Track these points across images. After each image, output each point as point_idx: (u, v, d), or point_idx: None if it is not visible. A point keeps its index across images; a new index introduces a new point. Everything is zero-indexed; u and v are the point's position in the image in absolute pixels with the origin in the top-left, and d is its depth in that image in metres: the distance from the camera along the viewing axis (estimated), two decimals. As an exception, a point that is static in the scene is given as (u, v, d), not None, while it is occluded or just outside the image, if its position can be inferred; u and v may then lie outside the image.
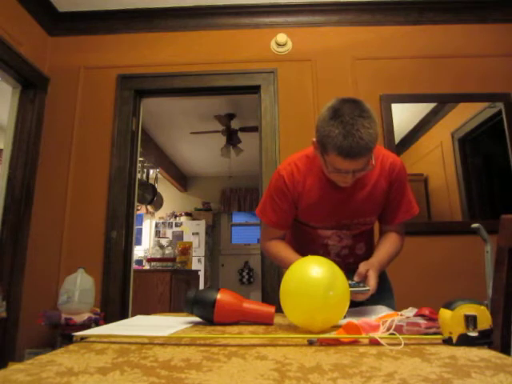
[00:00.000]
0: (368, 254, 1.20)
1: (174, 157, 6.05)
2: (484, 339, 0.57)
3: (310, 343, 0.60)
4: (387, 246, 1.19)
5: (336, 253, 1.22)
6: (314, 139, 1.05)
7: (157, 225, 6.47)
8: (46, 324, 1.94)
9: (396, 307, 1.21)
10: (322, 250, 1.22)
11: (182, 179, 6.93)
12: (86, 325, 1.92)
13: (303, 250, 1.17)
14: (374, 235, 1.31)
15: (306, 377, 0.42)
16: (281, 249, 1.20)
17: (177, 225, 6.43)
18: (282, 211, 1.17)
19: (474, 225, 1.68)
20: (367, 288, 0.99)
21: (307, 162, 1.17)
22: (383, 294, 1.24)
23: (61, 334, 1.96)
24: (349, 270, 1.04)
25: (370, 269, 1.03)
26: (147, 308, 3.40)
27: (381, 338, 0.59)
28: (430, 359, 0.50)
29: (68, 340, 1.87)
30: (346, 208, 1.15)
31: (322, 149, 1.01)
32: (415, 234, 2.19)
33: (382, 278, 1.27)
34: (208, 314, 0.81)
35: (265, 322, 0.83)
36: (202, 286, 5.74)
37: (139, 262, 4.69)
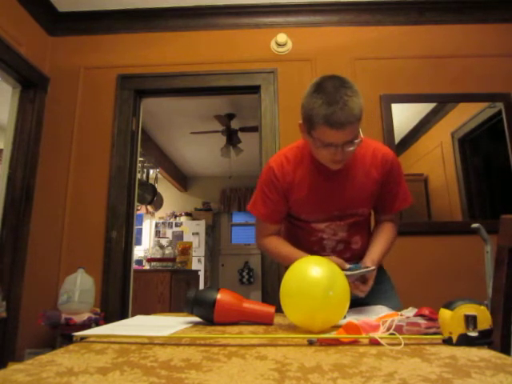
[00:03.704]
0: (364, 249, 1.19)
1: (173, 157, 6.05)
2: (484, 339, 0.57)
3: (310, 343, 0.60)
4: (385, 238, 1.19)
5: (331, 248, 1.20)
6: (300, 121, 1.05)
7: (157, 225, 6.47)
8: (46, 324, 1.94)
9: (402, 304, 1.19)
10: (316, 245, 1.20)
11: (182, 179, 6.93)
12: (86, 325, 1.92)
13: (298, 247, 1.16)
14: (370, 230, 1.30)
15: (306, 377, 0.42)
16: (279, 245, 1.20)
17: (177, 225, 6.43)
18: (273, 203, 1.16)
19: (474, 225, 1.68)
20: (372, 268, 1.00)
21: (297, 152, 1.16)
22: (387, 294, 1.23)
23: (61, 334, 1.96)
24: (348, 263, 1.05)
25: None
26: (147, 308, 3.40)
27: (381, 337, 0.59)
28: (430, 359, 0.50)
29: (68, 340, 1.87)
30: (337, 199, 1.14)
31: (308, 125, 1.01)
32: (415, 233, 2.19)
33: (384, 277, 1.27)
34: (208, 313, 0.81)
35: (265, 322, 0.83)
36: (202, 285, 5.74)
37: (139, 262, 4.69)
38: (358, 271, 0.99)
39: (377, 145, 1.18)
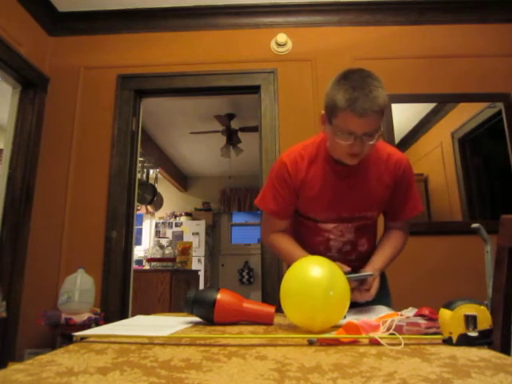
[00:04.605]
0: (371, 251, 1.19)
1: (173, 157, 6.05)
2: (484, 339, 0.57)
3: (310, 343, 0.60)
4: (391, 246, 1.19)
5: (338, 249, 1.19)
6: (323, 111, 1.04)
7: (157, 225, 6.47)
8: (46, 324, 1.94)
9: (393, 305, 1.20)
10: (323, 245, 1.19)
11: (182, 179, 6.93)
12: (86, 325, 1.92)
13: (304, 246, 1.16)
14: (377, 233, 1.29)
15: (306, 377, 0.42)
16: (285, 243, 1.19)
17: (177, 225, 6.43)
18: (283, 200, 1.15)
19: (474, 225, 1.68)
20: (370, 273, 1.00)
21: (312, 149, 1.14)
22: (381, 292, 1.24)
23: (61, 334, 1.96)
24: (350, 267, 1.04)
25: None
26: (147, 308, 3.40)
27: (381, 337, 0.59)
28: (430, 359, 0.50)
29: (68, 340, 1.87)
30: (347, 200, 1.13)
31: (330, 112, 0.99)
32: (415, 233, 2.16)
33: (384, 283, 1.27)
34: (208, 314, 0.81)
35: (265, 322, 0.83)
36: (202, 286, 5.74)
37: (139, 262, 4.69)
38: (357, 274, 0.99)
39: (392, 150, 1.16)
